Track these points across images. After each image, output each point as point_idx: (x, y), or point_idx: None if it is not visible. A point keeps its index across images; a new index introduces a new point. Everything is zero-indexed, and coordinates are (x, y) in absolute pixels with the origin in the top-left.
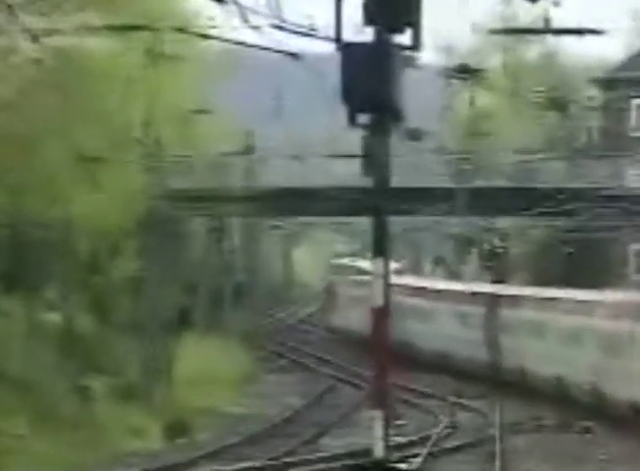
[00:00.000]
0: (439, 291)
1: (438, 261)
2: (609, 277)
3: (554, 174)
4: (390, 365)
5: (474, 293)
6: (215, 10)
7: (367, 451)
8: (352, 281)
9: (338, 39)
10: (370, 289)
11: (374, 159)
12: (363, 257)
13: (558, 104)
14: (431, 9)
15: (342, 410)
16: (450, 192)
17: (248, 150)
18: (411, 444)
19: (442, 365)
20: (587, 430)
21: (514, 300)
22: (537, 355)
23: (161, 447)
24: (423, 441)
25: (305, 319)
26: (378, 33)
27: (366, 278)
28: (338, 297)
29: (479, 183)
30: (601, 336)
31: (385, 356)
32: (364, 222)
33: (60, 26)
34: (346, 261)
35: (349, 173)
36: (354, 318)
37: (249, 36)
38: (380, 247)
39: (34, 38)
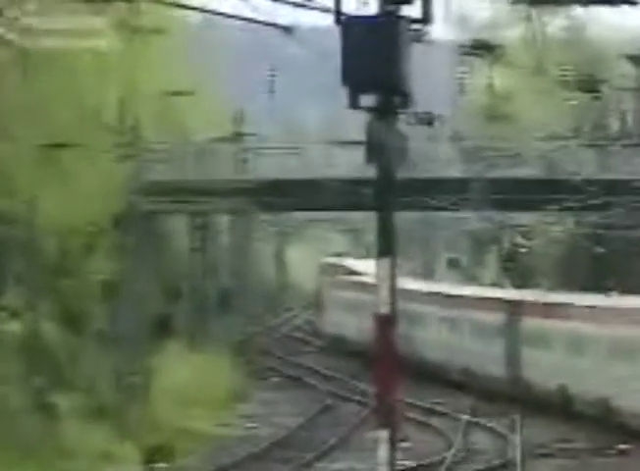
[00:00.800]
0: (452, 297)
1: (452, 263)
2: None
3: (583, 163)
4: (396, 380)
5: (493, 300)
6: None
7: None
8: (342, 282)
9: (337, 11)
10: (363, 292)
11: (379, 146)
12: (353, 256)
13: (587, 84)
14: None
15: (342, 431)
16: (465, 184)
17: (237, 137)
18: (421, 469)
19: (453, 380)
20: (623, 453)
21: (538, 308)
22: (556, 369)
23: None
24: (434, 466)
25: (301, 327)
26: (383, 4)
27: (356, 278)
28: (326, 301)
29: (498, 173)
30: None
31: (390, 370)
32: (364, 217)
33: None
34: (333, 260)
35: (351, 162)
36: (346, 324)
37: (237, 8)
38: (385, 247)
39: None
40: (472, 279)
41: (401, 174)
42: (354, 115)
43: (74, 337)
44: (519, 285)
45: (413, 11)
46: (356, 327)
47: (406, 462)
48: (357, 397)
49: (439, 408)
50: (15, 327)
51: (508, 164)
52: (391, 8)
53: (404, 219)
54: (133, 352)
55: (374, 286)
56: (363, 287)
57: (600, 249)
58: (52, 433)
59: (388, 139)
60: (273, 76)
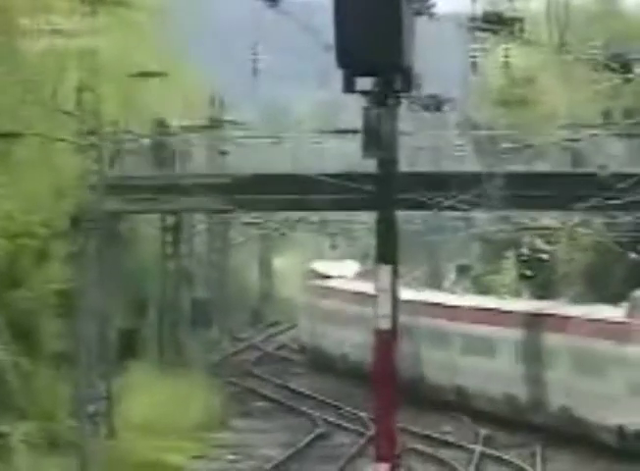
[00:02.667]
0: (462, 309)
1: (462, 270)
2: None
3: (613, 155)
4: (397, 405)
5: (509, 312)
6: None
7: None
8: (312, 288)
9: None
10: (333, 299)
11: (378, 136)
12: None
13: (618, 64)
14: None
15: (334, 464)
16: (477, 179)
17: (215, 125)
18: None
19: (462, 405)
20: None
21: (565, 322)
22: (593, 398)
23: None
24: None
25: (287, 344)
26: None
27: (325, 284)
28: (301, 308)
29: (516, 167)
30: None
31: (391, 393)
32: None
33: None
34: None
35: (347, 154)
36: (324, 335)
37: None
38: (386, 251)
39: None
40: (485, 289)
41: (404, 168)
42: (349, 100)
43: (25, 357)
44: (540, 295)
45: None
46: (332, 338)
47: None
48: (353, 425)
49: (446, 437)
50: None
51: (527, 156)
52: None
53: (407, 219)
54: (95, 374)
55: (345, 291)
56: (333, 293)
57: (633, 255)
58: (1, 466)
59: (388, 128)
60: (257, 56)
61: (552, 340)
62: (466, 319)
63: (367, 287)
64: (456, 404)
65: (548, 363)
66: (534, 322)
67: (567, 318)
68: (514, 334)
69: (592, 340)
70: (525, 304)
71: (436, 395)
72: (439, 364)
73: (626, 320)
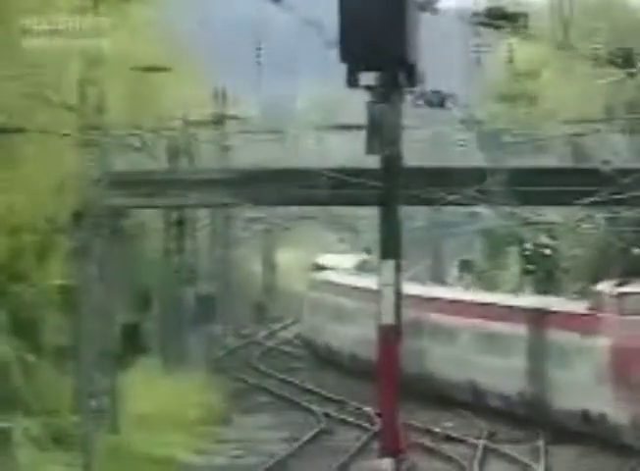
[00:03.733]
0: (464, 304)
1: (465, 265)
2: None
3: (616, 150)
4: (401, 401)
5: (513, 308)
6: None
7: None
8: (317, 282)
9: None
10: (329, 292)
11: (382, 131)
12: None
13: (622, 59)
14: None
15: (339, 459)
16: (481, 175)
17: (220, 120)
18: None
19: (466, 401)
20: None
21: (568, 318)
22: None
23: None
24: None
25: (291, 339)
26: None
27: (323, 277)
28: (304, 303)
29: (519, 162)
30: None
31: (395, 388)
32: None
33: None
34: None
35: (350, 149)
36: (320, 328)
37: None
38: (389, 247)
39: None
40: (488, 284)
41: (408, 163)
42: (353, 95)
43: (28, 352)
44: (543, 290)
45: None
46: (328, 331)
47: None
48: (357, 421)
49: (450, 432)
50: None
51: (531, 151)
52: None
53: (411, 215)
54: (98, 370)
55: (343, 285)
56: (331, 286)
57: (636, 250)
58: (4, 462)
59: (391, 123)
60: (260, 52)
61: (510, 330)
62: (470, 314)
63: (367, 281)
64: (460, 400)
65: (506, 352)
66: (541, 318)
67: (529, 310)
68: (521, 330)
69: (555, 331)
70: (529, 300)
71: (438, 389)
72: (440, 360)
73: (589, 312)
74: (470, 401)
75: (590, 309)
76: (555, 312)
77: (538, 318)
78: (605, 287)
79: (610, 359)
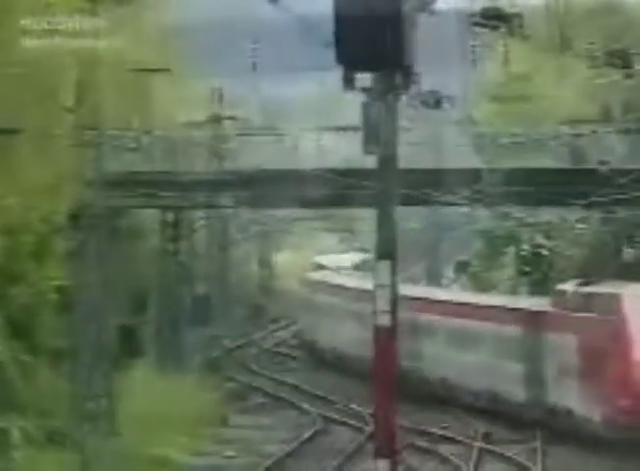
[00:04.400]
0: (460, 305)
1: (461, 266)
2: None
3: (612, 151)
4: (397, 401)
5: (508, 309)
6: None
7: None
8: (313, 282)
9: None
10: (336, 295)
11: (378, 132)
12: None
13: (619, 59)
14: None
15: (335, 460)
16: (477, 175)
17: (216, 121)
18: None
19: (461, 402)
20: None
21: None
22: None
23: None
24: None
25: (287, 340)
26: None
27: (319, 276)
28: (301, 304)
29: (515, 163)
30: None
31: (391, 389)
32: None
33: None
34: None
35: (346, 150)
36: (317, 328)
37: None
38: (385, 247)
39: None
40: (484, 285)
41: (404, 163)
42: (348, 96)
43: (25, 353)
44: (539, 291)
45: None
46: (329, 333)
47: None
48: (353, 421)
49: (446, 433)
50: None
51: (527, 152)
52: None
53: (407, 216)
54: (94, 371)
55: (340, 286)
56: (329, 287)
57: (631, 250)
58: (2, 463)
59: (388, 124)
60: (256, 52)
61: (476, 326)
62: (466, 315)
63: (363, 282)
64: (453, 400)
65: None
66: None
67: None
68: (517, 331)
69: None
70: (525, 301)
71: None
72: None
73: (548, 310)
74: (445, 396)
75: (553, 307)
76: (520, 309)
77: (503, 316)
78: (569, 286)
79: (575, 356)
